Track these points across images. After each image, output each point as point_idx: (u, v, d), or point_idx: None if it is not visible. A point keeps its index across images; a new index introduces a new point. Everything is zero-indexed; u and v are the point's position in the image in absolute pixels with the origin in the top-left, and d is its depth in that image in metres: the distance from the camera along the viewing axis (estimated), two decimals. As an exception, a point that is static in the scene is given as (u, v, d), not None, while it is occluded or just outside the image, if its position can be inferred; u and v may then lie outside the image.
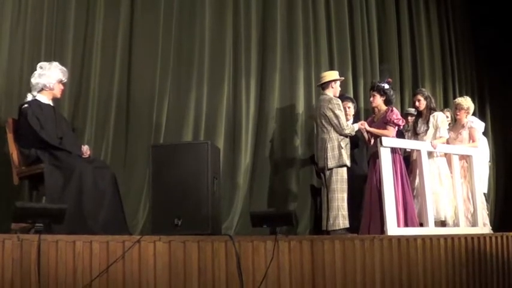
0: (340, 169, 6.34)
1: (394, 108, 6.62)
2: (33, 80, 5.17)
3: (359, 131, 6.65)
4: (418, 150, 6.51)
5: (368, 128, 6.62)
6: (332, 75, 6.69)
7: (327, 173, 6.37)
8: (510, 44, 9.57)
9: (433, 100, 6.97)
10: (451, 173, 6.73)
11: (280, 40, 7.76)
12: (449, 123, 7.41)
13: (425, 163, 6.42)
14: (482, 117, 9.15)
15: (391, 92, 6.67)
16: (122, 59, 6.63)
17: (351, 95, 7.92)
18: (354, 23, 8.53)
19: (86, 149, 5.30)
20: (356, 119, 7.30)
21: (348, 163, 6.39)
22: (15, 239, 3.64)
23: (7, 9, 5.84)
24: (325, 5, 8.27)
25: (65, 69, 5.35)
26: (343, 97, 6.96)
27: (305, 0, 8.08)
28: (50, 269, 3.72)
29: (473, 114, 7.57)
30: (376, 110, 6.73)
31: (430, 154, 6.64)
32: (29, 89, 5.25)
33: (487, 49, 9.95)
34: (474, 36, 9.99)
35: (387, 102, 6.63)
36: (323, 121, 6.45)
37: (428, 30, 9.45)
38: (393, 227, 5.88)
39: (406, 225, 6.16)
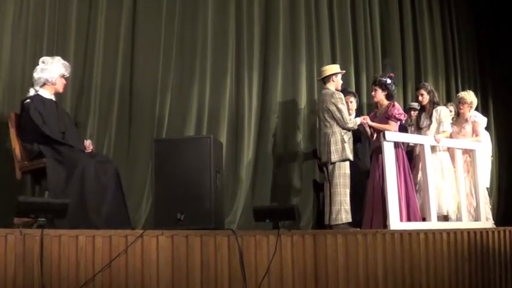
0: (343, 163, 6.33)
1: (395, 103, 6.61)
2: (36, 74, 5.16)
3: (361, 125, 6.64)
4: (421, 145, 6.51)
5: (370, 123, 6.61)
6: (333, 68, 6.67)
7: (330, 167, 6.36)
8: (513, 38, 9.57)
9: (436, 94, 6.97)
10: (454, 167, 6.73)
11: (282, 34, 7.75)
12: (453, 118, 7.40)
13: (428, 157, 6.41)
14: (484, 111, 9.15)
15: (393, 87, 6.65)
16: (125, 53, 6.62)
17: (353, 90, 7.90)
18: (357, 17, 8.52)
19: (88, 144, 5.31)
20: (358, 113, 7.29)
21: (351, 157, 6.38)
22: (18, 234, 3.64)
23: (9, 3, 5.83)
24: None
25: (67, 63, 5.34)
26: (345, 91, 6.95)
27: (307, -6, 8.09)
28: (53, 263, 3.72)
29: (476, 109, 7.55)
30: (378, 104, 6.72)
31: (433, 148, 6.62)
32: (31, 83, 5.24)
33: (489, 44, 9.94)
34: (477, 31, 9.98)
35: (389, 97, 6.62)
36: (326, 115, 6.43)
37: (431, 25, 9.42)
38: (396, 222, 5.88)
39: (409, 219, 6.16)
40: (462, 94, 7.34)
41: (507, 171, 9.59)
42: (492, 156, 8.31)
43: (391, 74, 6.77)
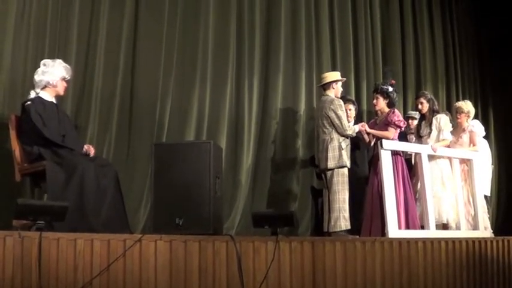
0: (341, 170, 6.30)
1: (395, 110, 6.61)
2: (37, 77, 5.16)
3: (359, 132, 6.63)
4: (419, 154, 6.50)
5: (368, 130, 6.61)
6: (333, 76, 6.66)
7: (328, 174, 6.35)
8: (514, 47, 9.60)
9: (435, 102, 6.97)
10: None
11: (283, 41, 7.77)
12: (453, 126, 7.39)
13: (426, 166, 6.40)
14: (484, 120, 9.16)
15: (395, 95, 6.66)
16: (126, 57, 6.64)
17: (353, 97, 7.90)
18: (358, 25, 8.54)
19: (88, 147, 5.29)
20: (358, 121, 7.28)
21: (348, 164, 6.35)
22: (17, 236, 3.64)
23: (11, 5, 5.84)
24: (328, 7, 8.28)
25: (68, 66, 5.34)
26: (344, 99, 6.93)
27: (308, 2, 8.10)
28: (51, 266, 3.71)
29: (476, 117, 7.54)
30: (379, 112, 6.72)
31: (433, 157, 6.62)
32: (32, 86, 5.24)
33: (490, 52, 9.96)
34: (477, 39, 10.00)
35: (390, 104, 6.62)
36: (324, 122, 6.41)
37: (432, 33, 9.45)
38: (394, 230, 5.87)
39: (408, 227, 6.15)
40: (459, 104, 7.34)
41: (506, 180, 9.59)
42: (492, 164, 8.30)
43: (393, 82, 6.77)
